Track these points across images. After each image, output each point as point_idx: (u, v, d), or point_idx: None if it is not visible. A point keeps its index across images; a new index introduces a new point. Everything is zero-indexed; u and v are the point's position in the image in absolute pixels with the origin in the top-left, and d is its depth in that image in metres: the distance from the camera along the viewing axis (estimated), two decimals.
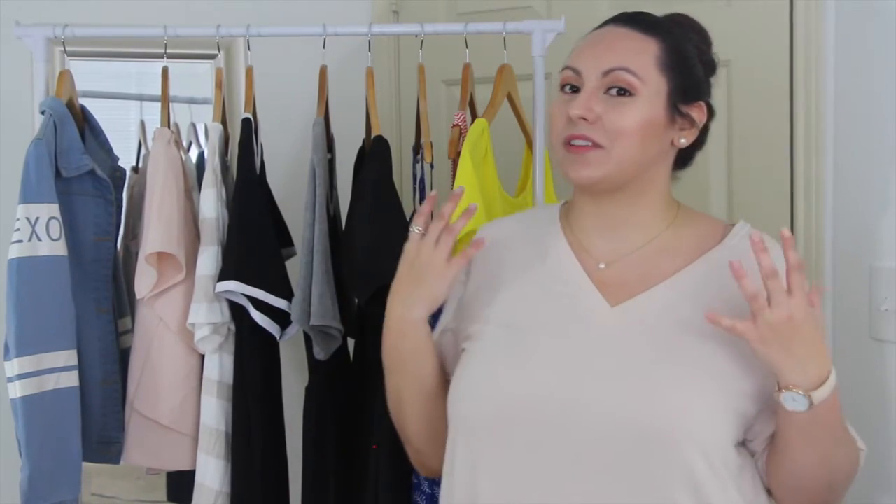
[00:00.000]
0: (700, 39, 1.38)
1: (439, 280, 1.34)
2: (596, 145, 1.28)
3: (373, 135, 1.88)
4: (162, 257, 1.76)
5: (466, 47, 1.90)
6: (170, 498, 2.04)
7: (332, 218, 1.94)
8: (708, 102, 1.36)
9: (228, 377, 1.79)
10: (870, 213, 1.86)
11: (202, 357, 1.79)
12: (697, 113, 1.34)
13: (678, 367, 1.25)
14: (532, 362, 1.30)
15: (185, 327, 1.76)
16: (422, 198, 1.92)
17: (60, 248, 1.69)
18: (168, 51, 1.86)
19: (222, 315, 1.76)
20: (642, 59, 1.30)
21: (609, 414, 1.22)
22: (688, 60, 1.34)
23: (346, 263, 1.84)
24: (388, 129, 2.06)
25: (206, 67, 2.28)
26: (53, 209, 1.69)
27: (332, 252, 1.83)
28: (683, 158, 1.39)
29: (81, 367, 1.73)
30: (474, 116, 1.96)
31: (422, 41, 1.90)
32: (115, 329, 1.84)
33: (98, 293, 1.80)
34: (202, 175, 1.83)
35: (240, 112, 1.92)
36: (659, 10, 1.39)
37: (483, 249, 1.38)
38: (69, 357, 1.69)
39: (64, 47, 1.89)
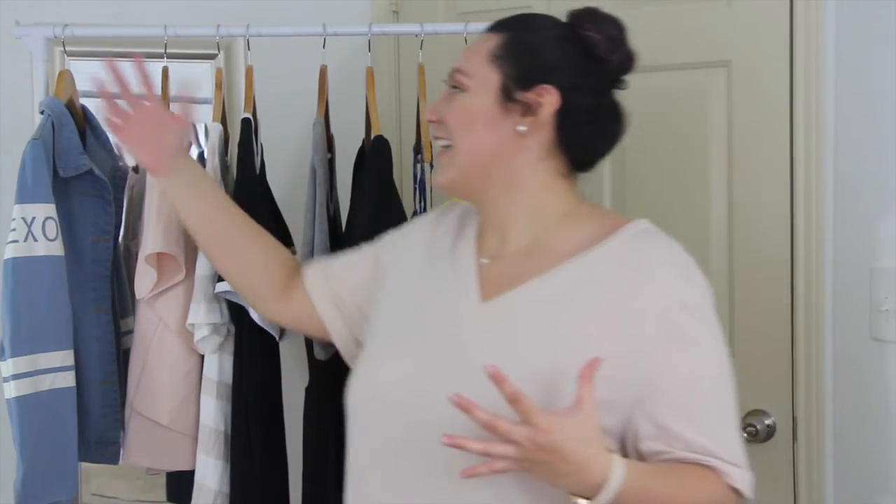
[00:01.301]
0: (593, 28, 1.33)
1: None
2: (447, 147, 1.35)
3: (373, 135, 1.88)
4: (162, 257, 1.76)
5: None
6: (169, 498, 2.04)
7: (332, 218, 1.94)
8: (582, 89, 1.32)
9: (228, 377, 1.79)
10: (870, 213, 1.86)
11: (202, 357, 1.79)
12: (545, 98, 1.31)
13: (517, 369, 1.18)
14: (396, 354, 1.35)
15: (184, 327, 1.76)
16: (422, 197, 1.92)
17: (57, 248, 1.69)
18: (168, 51, 1.85)
19: (222, 315, 1.76)
20: (475, 55, 1.35)
21: (443, 409, 1.15)
22: (530, 48, 1.33)
23: None
24: (388, 129, 2.05)
25: (206, 67, 2.28)
26: (50, 209, 1.69)
27: (332, 252, 1.82)
28: (575, 151, 1.35)
29: (80, 367, 1.73)
30: None
31: (422, 41, 1.89)
32: (114, 329, 1.84)
33: (97, 293, 1.80)
34: None
35: (240, 112, 1.91)
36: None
37: (422, 229, 1.48)
38: (65, 357, 1.69)
39: (64, 47, 1.88)
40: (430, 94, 1.95)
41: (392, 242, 1.53)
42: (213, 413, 1.76)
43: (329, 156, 1.96)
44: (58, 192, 1.72)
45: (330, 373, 1.87)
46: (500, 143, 1.32)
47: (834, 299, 1.92)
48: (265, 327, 1.77)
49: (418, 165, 1.94)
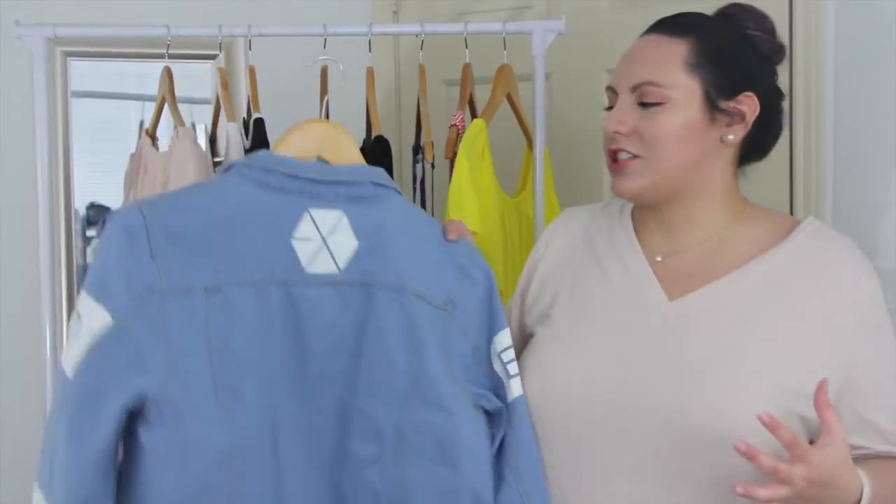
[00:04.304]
0: (756, 26, 1.33)
1: None
2: (635, 156, 1.30)
3: (373, 135, 1.88)
4: None
5: (466, 47, 1.90)
6: None
7: None
8: (767, 89, 1.33)
9: None
10: (870, 213, 1.86)
11: None
12: (748, 105, 1.30)
13: (731, 369, 1.22)
14: (586, 356, 1.30)
15: None
16: (422, 198, 1.92)
17: None
18: (169, 51, 1.85)
19: None
20: (668, 66, 1.29)
21: (656, 413, 1.20)
22: (725, 54, 1.30)
23: None
24: (388, 129, 2.06)
25: (205, 68, 2.29)
26: None
27: None
28: (757, 150, 1.36)
29: None
30: (475, 116, 1.96)
31: (422, 41, 1.90)
32: None
33: None
34: None
35: (240, 111, 1.92)
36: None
37: (560, 236, 1.44)
38: None
39: (64, 47, 1.89)
40: (430, 94, 1.96)
41: (536, 263, 1.46)
42: None
43: None
44: None
45: None
46: (704, 153, 1.30)
47: None
48: None
49: (418, 165, 1.94)
